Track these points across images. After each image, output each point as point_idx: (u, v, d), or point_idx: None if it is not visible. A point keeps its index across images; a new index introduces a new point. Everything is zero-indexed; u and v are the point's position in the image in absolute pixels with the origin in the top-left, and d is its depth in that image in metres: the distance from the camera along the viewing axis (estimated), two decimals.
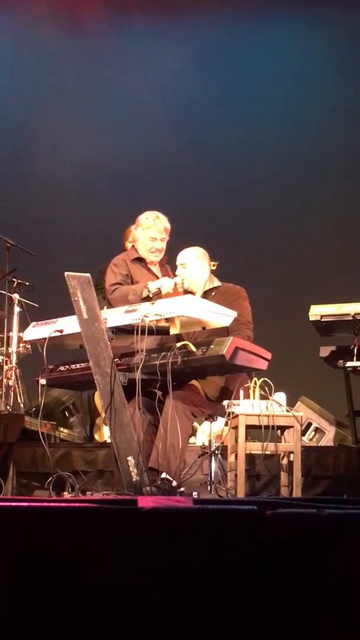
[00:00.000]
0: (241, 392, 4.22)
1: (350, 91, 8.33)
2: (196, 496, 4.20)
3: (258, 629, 2.23)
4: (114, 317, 4.18)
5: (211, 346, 4.01)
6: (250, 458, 4.68)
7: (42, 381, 4.44)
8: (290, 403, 4.62)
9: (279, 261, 8.03)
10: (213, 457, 4.47)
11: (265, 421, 4.12)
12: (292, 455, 4.23)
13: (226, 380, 4.46)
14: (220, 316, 4.12)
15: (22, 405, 5.94)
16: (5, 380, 5.84)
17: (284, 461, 4.35)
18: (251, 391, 4.22)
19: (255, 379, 4.23)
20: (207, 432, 4.78)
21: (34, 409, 5.90)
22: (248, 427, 4.18)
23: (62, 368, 4.51)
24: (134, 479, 3.97)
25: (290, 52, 8.54)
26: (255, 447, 4.28)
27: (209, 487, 4.43)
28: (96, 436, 6.29)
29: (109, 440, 4.95)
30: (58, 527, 2.29)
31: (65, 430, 6.16)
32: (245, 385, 4.26)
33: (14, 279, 6.16)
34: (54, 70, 8.48)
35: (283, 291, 7.82)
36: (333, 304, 4.82)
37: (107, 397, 4.01)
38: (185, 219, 6.65)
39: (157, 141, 8.27)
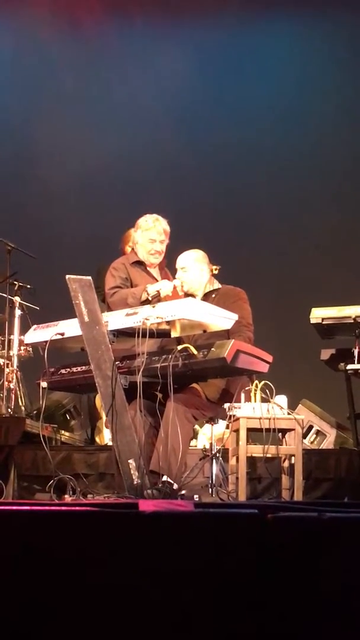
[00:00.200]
0: (242, 395, 4.22)
1: (350, 91, 8.32)
2: (197, 499, 4.21)
3: (258, 632, 2.24)
4: (115, 320, 4.17)
5: (212, 349, 4.01)
6: (252, 461, 4.68)
7: (43, 384, 4.44)
8: (292, 406, 4.61)
9: (279, 261, 8.02)
10: (214, 460, 4.47)
11: (266, 424, 4.12)
12: (293, 458, 4.23)
13: (227, 383, 4.45)
14: (221, 319, 4.12)
15: (23, 408, 5.95)
16: (6, 383, 5.85)
17: (285, 464, 4.35)
18: (252, 394, 4.21)
19: (256, 381, 4.23)
20: (208, 434, 4.77)
21: (35, 412, 5.90)
22: (249, 429, 4.18)
23: (63, 371, 4.51)
24: (135, 482, 3.97)
25: (290, 52, 8.53)
26: (257, 450, 4.28)
27: (210, 490, 4.44)
28: (97, 439, 6.28)
29: (110, 443, 4.94)
30: (59, 531, 2.30)
31: (67, 433, 6.16)
32: (247, 388, 4.25)
33: (15, 282, 6.17)
34: (54, 71, 8.46)
35: (283, 293, 7.82)
36: (334, 306, 4.83)
37: (108, 400, 4.01)
38: (185, 219, 6.66)
39: (157, 141, 8.25)
